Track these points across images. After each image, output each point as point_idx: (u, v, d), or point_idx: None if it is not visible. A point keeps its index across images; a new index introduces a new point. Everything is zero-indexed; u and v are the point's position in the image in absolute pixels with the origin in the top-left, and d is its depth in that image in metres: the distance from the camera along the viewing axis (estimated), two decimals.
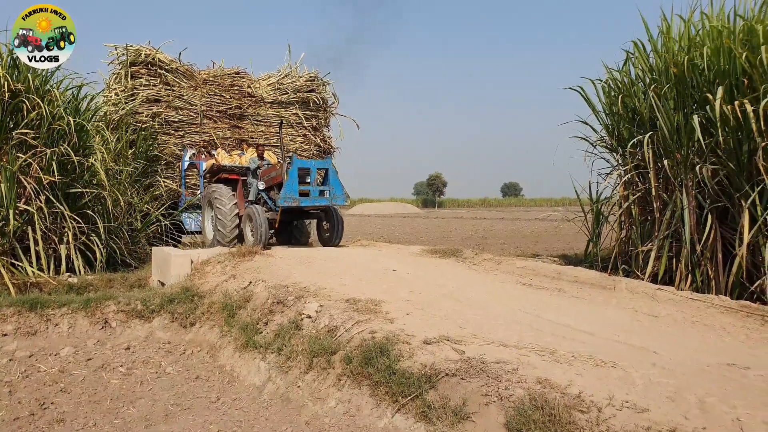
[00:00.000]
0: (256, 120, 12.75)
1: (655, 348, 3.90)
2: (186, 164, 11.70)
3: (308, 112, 13.21)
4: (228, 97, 12.42)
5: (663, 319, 4.92)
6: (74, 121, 8.60)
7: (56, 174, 8.03)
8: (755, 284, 5.49)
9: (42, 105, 8.20)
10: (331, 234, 9.54)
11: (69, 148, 8.31)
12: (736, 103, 5.69)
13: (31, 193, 7.77)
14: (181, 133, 11.84)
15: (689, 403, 2.90)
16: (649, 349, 3.88)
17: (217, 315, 5.86)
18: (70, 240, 8.06)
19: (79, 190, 8.66)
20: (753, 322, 4.67)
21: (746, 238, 5.48)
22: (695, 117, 6.06)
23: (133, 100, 11.29)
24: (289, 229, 10.37)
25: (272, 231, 9.34)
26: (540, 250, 11.83)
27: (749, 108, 5.49)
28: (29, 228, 7.64)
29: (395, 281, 6.08)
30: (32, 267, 7.44)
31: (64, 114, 8.54)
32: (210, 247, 9.39)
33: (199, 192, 11.55)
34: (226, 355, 5.27)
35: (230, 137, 12.35)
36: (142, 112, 11.30)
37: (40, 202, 7.83)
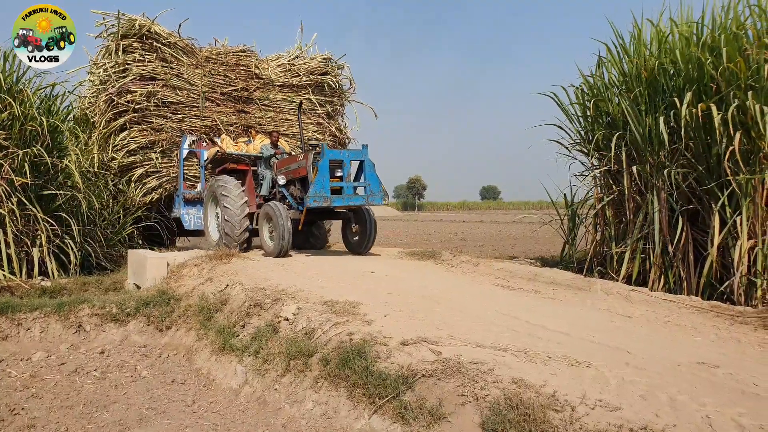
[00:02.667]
0: (264, 104, 11.37)
1: (628, 348, 3.96)
2: (185, 153, 10.28)
3: (322, 98, 11.90)
4: (233, 77, 11.02)
5: (637, 320, 5.00)
6: (47, 121, 8.46)
7: (29, 175, 7.89)
8: (724, 285, 5.62)
9: (14, 105, 8.07)
10: (362, 238, 8.22)
11: (42, 149, 8.17)
12: (701, 105, 5.83)
13: (2, 195, 7.62)
14: (179, 116, 10.35)
15: (660, 401, 2.96)
16: (622, 348, 3.94)
17: (194, 318, 5.81)
18: (44, 243, 7.92)
19: (53, 192, 8.51)
20: (722, 321, 4.79)
21: (716, 240, 5.61)
22: (662, 122, 6.19)
23: (125, 77, 9.92)
24: (305, 230, 8.93)
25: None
26: (517, 253, 11.95)
27: (714, 111, 5.63)
28: (0, 231, 7.50)
29: (374, 283, 6.09)
30: (3, 270, 7.29)
31: (36, 114, 8.39)
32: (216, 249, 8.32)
33: (199, 185, 10.30)
34: (202, 358, 5.22)
35: (235, 123, 10.91)
36: (135, 91, 9.85)
37: (12, 204, 7.68)
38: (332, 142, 11.75)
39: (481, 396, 3.11)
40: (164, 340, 5.93)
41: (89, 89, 10.99)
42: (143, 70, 9.97)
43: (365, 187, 7.59)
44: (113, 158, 9.89)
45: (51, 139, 8.61)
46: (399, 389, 3.36)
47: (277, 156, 8.77)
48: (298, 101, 10.97)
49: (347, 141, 12.26)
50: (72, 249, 8.28)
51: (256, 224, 8.34)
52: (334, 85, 12.06)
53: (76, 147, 9.42)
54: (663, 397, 3.00)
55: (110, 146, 9.89)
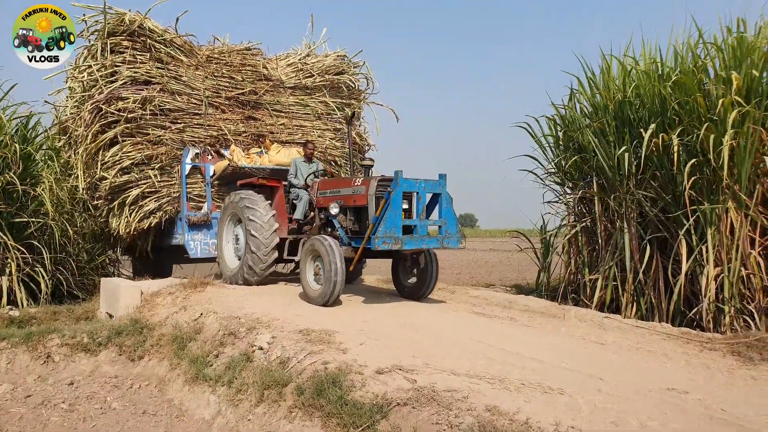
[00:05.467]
0: (276, 109, 9.95)
1: (601, 374, 4.02)
2: (187, 168, 8.87)
3: (339, 100, 10.57)
4: (239, 79, 9.62)
5: (609, 347, 5.08)
6: (21, 149, 8.38)
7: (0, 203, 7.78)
8: (693, 311, 5.74)
9: None
10: (421, 282, 6.89)
11: (14, 177, 8.07)
12: (663, 135, 6.03)
13: None
14: (179, 125, 8.90)
15: (631, 427, 3.00)
16: (595, 375, 4.00)
17: (167, 347, 5.72)
18: (13, 271, 7.78)
19: (25, 219, 8.38)
20: (692, 348, 4.89)
21: (684, 267, 5.75)
22: (626, 153, 6.39)
23: (114, 81, 8.51)
24: None
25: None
26: (494, 280, 12.02)
27: (676, 142, 5.84)
28: None
29: (350, 311, 6.08)
30: None
31: (9, 142, 8.31)
32: (232, 281, 7.48)
33: (205, 205, 8.95)
34: (174, 388, 5.13)
35: (244, 131, 9.48)
36: (128, 98, 8.40)
37: None
38: (353, 150, 10.23)
39: (455, 424, 3.12)
40: (136, 370, 5.81)
41: (69, 97, 9.66)
42: (135, 72, 8.61)
43: (440, 227, 6.36)
44: (103, 178, 8.54)
45: (24, 166, 8.51)
46: (373, 418, 3.35)
47: (316, 174, 7.63)
48: (314, 105, 10.08)
49: (367, 148, 11.02)
50: (43, 277, 8.12)
51: (288, 254, 7.29)
52: (353, 85, 10.80)
53: (51, 175, 9.28)
54: (634, 423, 3.05)
55: (99, 164, 8.55)
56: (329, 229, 6.98)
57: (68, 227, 9.10)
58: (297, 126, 10.14)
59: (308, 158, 7.93)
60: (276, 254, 7.16)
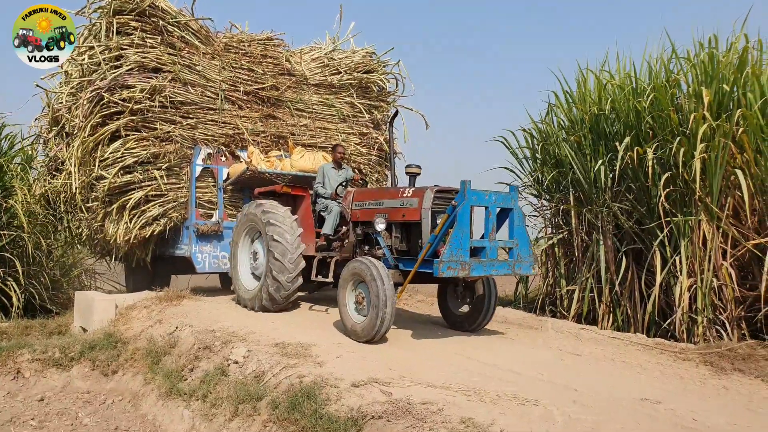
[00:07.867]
0: (298, 108, 8.90)
1: (576, 385, 4.05)
2: (198, 169, 7.89)
3: (366, 102, 9.58)
4: (260, 72, 8.56)
5: (585, 358, 5.12)
6: None
7: None
8: (667, 321, 5.82)
9: None
10: (475, 312, 5.91)
11: None
12: (638, 149, 6.14)
13: None
14: (191, 121, 7.82)
15: None
16: (570, 386, 4.03)
17: (141, 362, 5.63)
18: None
19: None
20: (666, 358, 4.95)
21: (658, 278, 5.83)
22: (601, 166, 6.49)
23: (119, 66, 7.45)
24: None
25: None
26: None
27: (650, 155, 5.95)
28: None
29: (327, 324, 6.05)
30: None
31: None
32: (248, 305, 6.67)
33: (216, 212, 8.02)
34: (148, 403, 5.05)
35: (263, 132, 8.46)
36: (134, 86, 7.33)
37: None
38: (378, 159, 9.53)
39: None
40: (110, 385, 5.71)
41: (65, 83, 8.74)
42: (144, 57, 7.50)
43: (511, 249, 5.42)
44: (101, 177, 7.47)
45: None
46: None
47: (347, 182, 6.87)
48: (339, 106, 9.25)
49: (394, 156, 9.33)
50: (15, 291, 7.96)
51: (316, 275, 6.44)
52: (383, 85, 9.87)
53: (24, 186, 9.11)
54: None
55: (97, 161, 7.45)
56: (366, 248, 6.08)
57: (42, 240, 8.93)
58: (320, 128, 9.11)
59: (337, 164, 7.07)
60: (301, 279, 6.35)
